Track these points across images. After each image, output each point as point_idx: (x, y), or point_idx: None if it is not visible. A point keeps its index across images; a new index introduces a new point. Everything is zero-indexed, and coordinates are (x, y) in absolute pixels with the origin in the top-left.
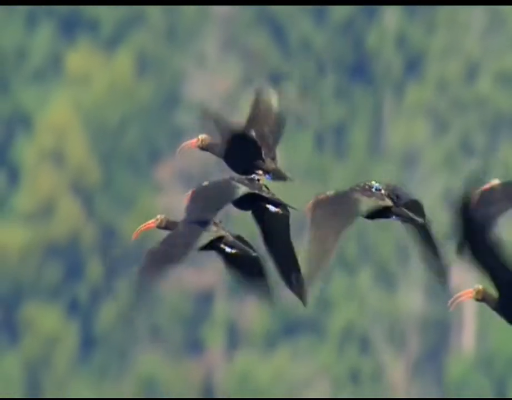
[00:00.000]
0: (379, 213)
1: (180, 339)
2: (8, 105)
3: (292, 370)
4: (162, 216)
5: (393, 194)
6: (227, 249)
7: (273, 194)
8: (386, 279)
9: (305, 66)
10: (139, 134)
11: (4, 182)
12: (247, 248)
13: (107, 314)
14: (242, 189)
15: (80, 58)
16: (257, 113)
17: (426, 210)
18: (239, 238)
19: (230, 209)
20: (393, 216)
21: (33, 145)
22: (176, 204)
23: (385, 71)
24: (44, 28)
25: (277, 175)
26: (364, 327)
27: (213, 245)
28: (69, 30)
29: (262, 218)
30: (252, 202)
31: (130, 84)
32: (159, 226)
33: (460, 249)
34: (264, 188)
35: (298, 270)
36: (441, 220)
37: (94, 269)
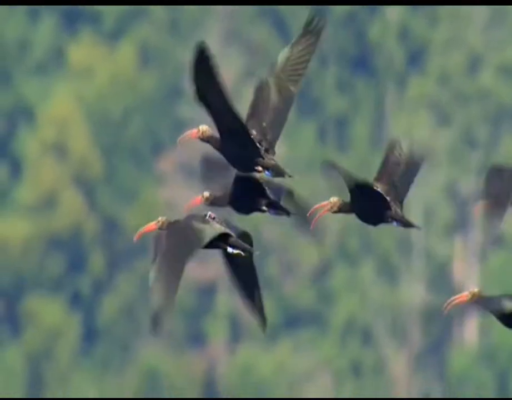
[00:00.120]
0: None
1: (182, 332)
2: (10, 98)
3: (294, 363)
4: (164, 218)
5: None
6: (229, 249)
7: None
8: (388, 272)
9: None
10: (141, 126)
11: (6, 174)
12: (248, 247)
13: (109, 306)
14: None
15: (82, 50)
16: (259, 105)
17: (428, 203)
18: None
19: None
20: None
21: (36, 138)
22: (178, 196)
23: (387, 63)
24: (47, 21)
25: (277, 172)
26: (366, 320)
27: (215, 244)
28: (71, 22)
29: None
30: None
31: (132, 76)
32: (160, 228)
33: None
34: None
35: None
36: (443, 212)
37: (96, 261)
